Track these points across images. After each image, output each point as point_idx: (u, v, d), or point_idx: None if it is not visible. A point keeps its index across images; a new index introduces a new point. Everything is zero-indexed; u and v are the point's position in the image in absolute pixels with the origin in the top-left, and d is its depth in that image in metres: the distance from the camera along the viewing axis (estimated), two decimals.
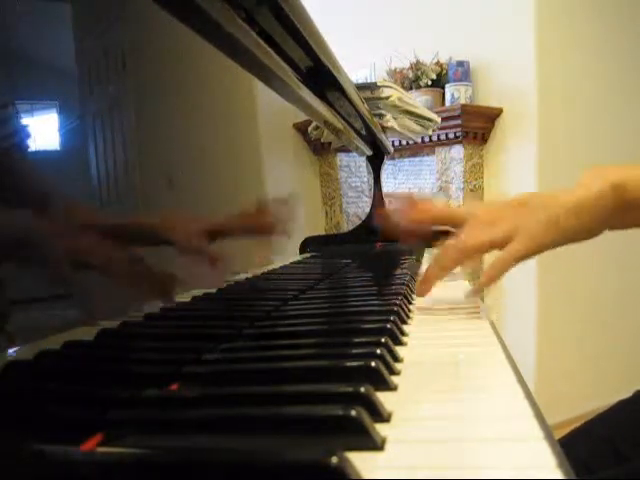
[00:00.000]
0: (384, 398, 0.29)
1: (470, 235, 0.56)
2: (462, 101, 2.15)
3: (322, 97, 0.84)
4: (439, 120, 1.59)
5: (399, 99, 1.32)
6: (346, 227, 2.51)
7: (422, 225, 0.65)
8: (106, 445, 0.25)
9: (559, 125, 2.15)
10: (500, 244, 0.54)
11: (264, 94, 1.13)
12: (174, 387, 0.33)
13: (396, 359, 0.38)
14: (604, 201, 0.52)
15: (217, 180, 0.95)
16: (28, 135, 0.47)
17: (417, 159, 2.37)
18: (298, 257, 1.26)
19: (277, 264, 1.02)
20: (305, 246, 1.34)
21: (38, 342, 0.38)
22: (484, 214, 0.58)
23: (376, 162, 1.46)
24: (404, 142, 2.16)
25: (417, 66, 2.25)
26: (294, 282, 0.82)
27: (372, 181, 1.47)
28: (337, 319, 0.54)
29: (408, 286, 0.69)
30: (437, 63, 2.25)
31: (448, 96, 2.20)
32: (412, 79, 2.26)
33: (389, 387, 0.33)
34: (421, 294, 0.59)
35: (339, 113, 0.97)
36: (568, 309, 2.21)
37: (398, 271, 0.85)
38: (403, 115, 1.39)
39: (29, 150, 0.47)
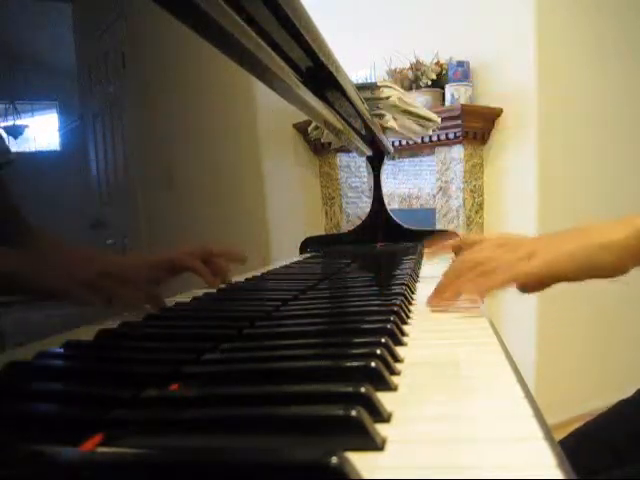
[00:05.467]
0: (384, 398, 0.29)
1: (487, 248, 0.58)
2: (462, 101, 2.14)
3: (322, 97, 0.84)
4: (439, 120, 1.59)
5: (399, 99, 1.32)
6: (346, 227, 2.51)
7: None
8: (106, 445, 0.25)
9: (559, 125, 2.15)
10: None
11: (264, 94, 1.13)
12: (174, 387, 0.33)
13: (396, 359, 0.38)
14: (631, 241, 0.52)
15: (217, 180, 0.95)
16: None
17: (417, 159, 2.37)
18: (298, 257, 1.26)
19: (277, 264, 1.02)
20: (305, 246, 1.34)
21: (38, 342, 0.38)
22: (498, 237, 0.61)
23: (376, 162, 1.46)
24: (404, 142, 2.16)
25: (417, 66, 2.25)
26: (294, 282, 0.82)
27: (372, 181, 1.47)
28: (337, 319, 0.54)
29: (408, 286, 0.68)
30: (437, 63, 2.25)
31: (448, 96, 2.19)
32: (412, 79, 2.26)
33: (389, 387, 0.32)
34: (437, 303, 0.58)
35: (339, 113, 0.97)
36: (568, 309, 2.21)
37: (398, 271, 0.85)
38: (403, 115, 1.39)
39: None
